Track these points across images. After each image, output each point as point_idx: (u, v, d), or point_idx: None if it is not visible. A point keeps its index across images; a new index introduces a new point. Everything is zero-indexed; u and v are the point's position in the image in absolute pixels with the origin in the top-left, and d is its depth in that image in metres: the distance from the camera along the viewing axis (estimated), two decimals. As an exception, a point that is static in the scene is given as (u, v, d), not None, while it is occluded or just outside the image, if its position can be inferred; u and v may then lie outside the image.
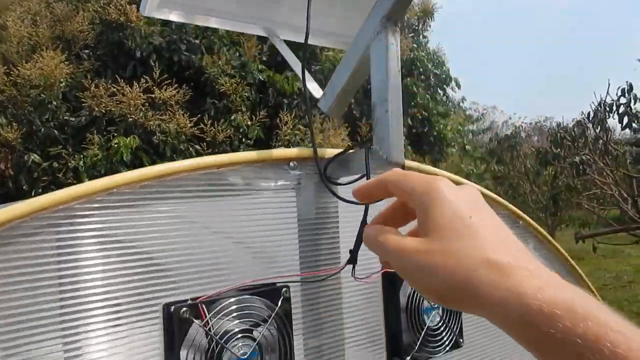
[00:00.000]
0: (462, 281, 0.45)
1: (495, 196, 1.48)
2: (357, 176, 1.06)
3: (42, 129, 5.92)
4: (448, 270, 0.46)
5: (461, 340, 1.29)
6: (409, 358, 1.18)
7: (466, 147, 10.28)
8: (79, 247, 0.80)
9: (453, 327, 1.28)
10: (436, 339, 1.24)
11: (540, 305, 0.42)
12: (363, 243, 0.59)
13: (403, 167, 1.04)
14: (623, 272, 10.71)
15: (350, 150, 1.04)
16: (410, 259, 0.49)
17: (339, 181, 1.09)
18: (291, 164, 1.04)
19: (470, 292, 0.45)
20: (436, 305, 1.24)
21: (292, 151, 1.04)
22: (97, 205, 0.81)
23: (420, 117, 8.42)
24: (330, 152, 1.07)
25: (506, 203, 1.51)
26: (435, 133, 8.78)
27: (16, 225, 0.75)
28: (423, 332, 1.21)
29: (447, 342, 1.26)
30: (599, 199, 10.58)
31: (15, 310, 0.75)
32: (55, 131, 5.96)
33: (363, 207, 1.02)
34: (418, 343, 1.19)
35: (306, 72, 1.08)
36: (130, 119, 5.85)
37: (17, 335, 0.75)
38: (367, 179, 0.98)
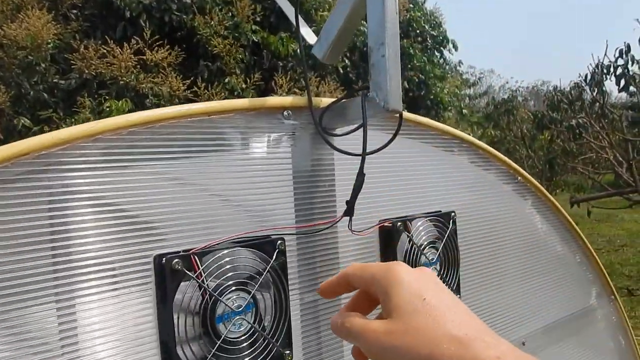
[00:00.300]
0: (426, 357, 0.47)
1: (495, 152, 1.45)
2: (354, 126, 1.03)
3: (31, 92, 5.82)
4: (411, 348, 0.48)
5: (458, 296, 1.28)
6: (406, 313, 1.16)
7: (463, 111, 10.20)
8: (66, 203, 0.77)
9: (451, 284, 1.26)
10: (433, 294, 1.22)
11: None
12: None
13: (401, 115, 1.00)
14: (616, 237, 10.80)
15: (346, 99, 1.00)
16: (375, 341, 0.51)
17: (335, 132, 1.05)
18: (285, 113, 1.00)
19: None
20: (434, 260, 1.22)
21: (287, 99, 1.00)
22: (81, 151, 0.77)
23: (416, 80, 8.33)
24: (326, 101, 1.03)
25: (505, 158, 1.48)
26: (431, 96, 8.70)
27: (-3, 172, 0.71)
28: (420, 287, 1.18)
29: (444, 298, 1.24)
30: (594, 163, 10.59)
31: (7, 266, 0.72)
32: (45, 94, 5.87)
33: (360, 158, 0.99)
34: (415, 298, 1.18)
35: (300, 18, 1.04)
36: (122, 82, 5.76)
37: (11, 292, 0.73)
38: (364, 127, 0.95)
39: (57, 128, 5.72)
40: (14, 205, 0.73)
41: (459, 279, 1.27)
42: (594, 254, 1.83)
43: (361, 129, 0.97)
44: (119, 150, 0.81)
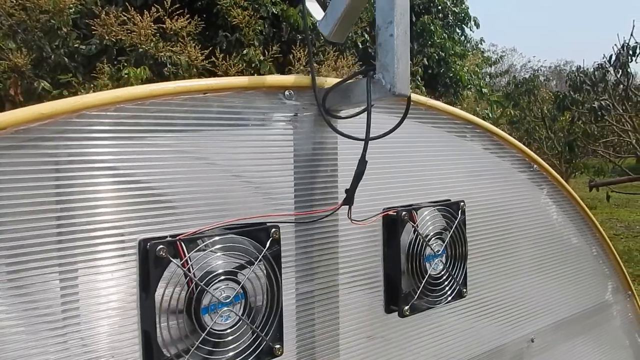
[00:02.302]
0: None
1: (511, 139, 1.38)
2: (358, 109, 0.97)
3: (52, 56, 5.79)
4: None
5: (465, 290, 1.22)
6: (407, 307, 1.11)
7: (483, 89, 9.99)
8: (49, 174, 0.72)
9: (456, 277, 1.20)
10: (438, 288, 1.17)
11: None
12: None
13: (409, 100, 0.94)
14: (635, 222, 10.63)
15: (351, 80, 0.94)
16: None
17: (339, 114, 0.99)
18: (286, 93, 0.94)
19: None
20: (440, 252, 1.16)
21: (288, 79, 0.94)
22: (62, 127, 0.72)
23: (436, 57, 8.15)
24: (330, 81, 0.97)
25: (521, 146, 1.41)
26: (451, 74, 8.52)
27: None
28: (424, 281, 1.13)
29: (449, 292, 1.19)
30: (616, 146, 10.40)
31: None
32: (66, 59, 5.83)
33: (363, 143, 0.93)
34: (418, 292, 1.12)
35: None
36: (141, 49, 5.70)
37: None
38: (368, 112, 0.88)
39: (77, 93, 5.71)
40: (21, 172, 0.70)
41: (466, 272, 1.21)
42: (612, 247, 1.76)
43: (365, 113, 0.91)
44: (105, 128, 0.76)
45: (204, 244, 0.82)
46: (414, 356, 1.18)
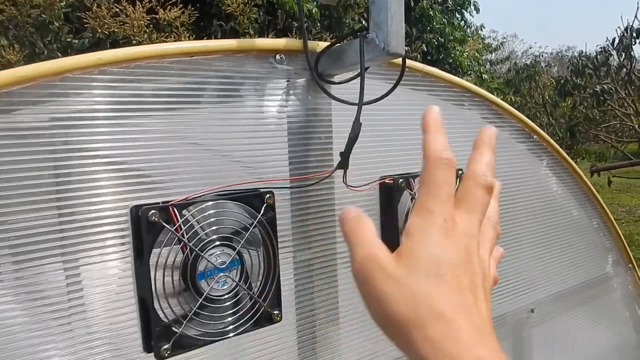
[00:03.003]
0: (407, 321, 0.43)
1: (510, 108, 1.37)
2: (352, 74, 0.95)
3: (45, 51, 5.76)
4: (397, 303, 0.43)
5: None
6: (407, 275, 1.10)
7: (483, 75, 9.94)
8: (32, 139, 0.71)
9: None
10: (438, 256, 1.16)
11: None
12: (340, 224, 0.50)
13: (404, 59, 0.92)
14: (637, 207, 10.61)
15: (343, 42, 0.92)
16: (370, 273, 0.45)
17: (333, 79, 0.98)
18: (278, 57, 0.92)
19: (409, 340, 0.43)
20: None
21: (279, 42, 0.92)
22: (45, 91, 0.71)
23: (435, 43, 8.10)
24: (322, 45, 0.95)
25: (521, 116, 1.39)
26: (450, 60, 8.46)
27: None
28: (424, 249, 1.12)
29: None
30: (618, 131, 10.36)
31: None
32: (59, 54, 5.80)
33: (356, 107, 0.91)
34: (418, 260, 1.11)
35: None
36: (135, 41, 5.67)
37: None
38: (361, 72, 0.87)
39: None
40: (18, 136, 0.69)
41: (465, 241, 1.20)
42: (612, 219, 1.75)
43: (359, 78, 0.89)
44: (89, 91, 0.75)
45: (197, 209, 0.81)
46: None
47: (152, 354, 0.80)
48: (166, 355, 0.79)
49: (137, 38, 5.57)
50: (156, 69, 0.80)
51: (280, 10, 6.56)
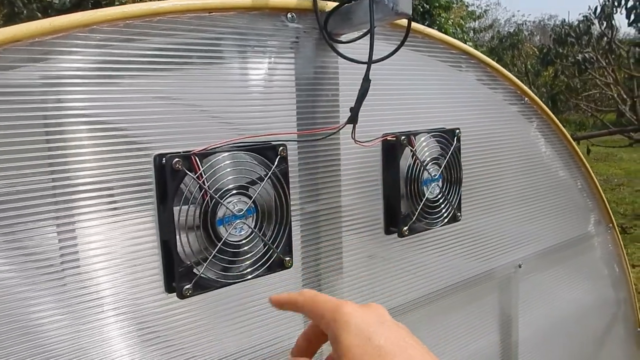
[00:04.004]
0: None
1: (504, 71, 1.42)
2: (360, 33, 0.99)
3: (25, 11, 5.68)
4: None
5: (459, 214, 1.27)
6: (406, 228, 1.16)
7: (467, 43, 9.99)
8: (57, 87, 0.75)
9: (452, 201, 1.25)
10: (434, 211, 1.22)
11: None
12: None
13: (410, 21, 0.97)
14: (614, 176, 10.82)
15: (353, 2, 0.96)
16: None
17: (341, 38, 1.02)
18: (289, 15, 0.96)
19: None
20: (436, 177, 1.20)
21: (291, 1, 0.96)
22: (76, 42, 0.74)
23: (420, 9, 8.12)
24: (332, 4, 0.99)
25: (514, 79, 1.45)
26: (435, 27, 8.50)
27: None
28: (422, 204, 1.18)
29: (445, 215, 1.24)
30: (597, 100, 10.50)
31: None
32: (39, 14, 5.73)
33: (365, 66, 0.96)
34: (416, 213, 1.17)
35: None
36: (117, 2, 5.60)
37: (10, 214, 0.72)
38: (371, 32, 0.91)
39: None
40: (10, 93, 0.71)
41: (460, 197, 1.26)
42: (596, 181, 1.82)
43: (368, 36, 0.93)
44: (116, 44, 0.78)
45: (216, 159, 0.86)
46: (411, 275, 1.24)
47: (174, 294, 0.85)
48: (188, 294, 0.84)
49: (121, -1, 5.53)
50: (176, 24, 0.83)
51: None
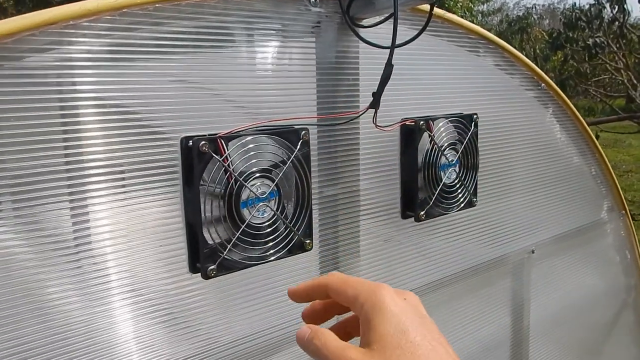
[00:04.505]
0: None
1: (521, 56, 1.42)
2: (382, 17, 1.00)
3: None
4: None
5: (475, 199, 1.28)
6: (423, 212, 1.17)
7: (476, 27, 9.89)
8: (70, 70, 0.75)
9: (468, 186, 1.26)
10: (451, 196, 1.23)
11: None
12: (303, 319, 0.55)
13: (432, 6, 0.97)
14: (622, 162, 10.78)
15: (377, -14, 0.96)
16: None
17: (362, 23, 1.02)
18: (312, -1, 0.96)
19: None
20: (453, 162, 1.21)
21: (315, -16, 0.96)
22: (107, 25, 0.75)
23: (431, -8, 8.05)
24: (355, -12, 0.99)
25: (531, 64, 1.45)
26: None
27: (24, 38, 0.70)
28: (438, 188, 1.19)
29: (461, 200, 1.25)
30: (607, 86, 10.42)
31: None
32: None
33: (387, 50, 0.96)
34: (433, 198, 1.18)
35: None
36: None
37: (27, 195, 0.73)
38: (394, 16, 0.91)
39: (63, 30, 5.62)
40: (37, 75, 0.72)
41: (476, 183, 1.27)
42: (610, 167, 1.83)
43: (390, 20, 0.94)
44: (145, 27, 0.79)
45: (240, 142, 0.86)
46: (425, 259, 1.25)
47: (198, 274, 0.87)
48: (212, 275, 0.85)
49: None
50: (204, 7, 0.84)
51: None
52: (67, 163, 0.76)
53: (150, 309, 0.86)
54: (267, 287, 0.98)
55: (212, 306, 0.93)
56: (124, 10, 0.76)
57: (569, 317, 1.75)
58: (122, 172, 0.80)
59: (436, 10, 1.15)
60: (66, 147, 0.75)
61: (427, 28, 1.02)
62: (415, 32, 1.01)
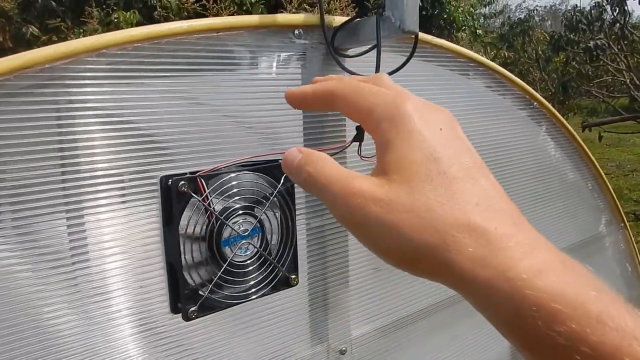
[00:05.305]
0: (434, 247, 0.33)
1: (512, 77, 1.40)
2: (367, 47, 0.98)
3: (39, 0, 5.68)
4: (415, 230, 0.34)
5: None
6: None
7: (477, 31, 9.89)
8: (72, 119, 0.75)
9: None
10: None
11: (538, 297, 0.31)
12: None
13: (416, 37, 0.96)
14: (626, 162, 10.74)
15: (360, 18, 0.95)
16: (359, 209, 0.36)
17: (347, 52, 1.01)
18: (296, 32, 0.95)
19: (443, 263, 0.34)
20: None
21: (298, 17, 0.95)
22: (85, 66, 0.74)
23: (431, -3, 8.06)
24: (339, 20, 0.98)
25: (522, 84, 1.43)
26: (445, 16, 8.42)
27: (-2, 86, 0.69)
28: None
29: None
30: (609, 86, 10.40)
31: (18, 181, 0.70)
32: (53, 2, 5.73)
33: (372, 81, 0.95)
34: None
35: None
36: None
37: (22, 207, 0.72)
38: (377, 48, 0.90)
39: (66, 38, 5.64)
40: (19, 119, 0.71)
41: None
42: (606, 181, 1.81)
43: (374, 50, 0.92)
44: (125, 67, 0.78)
45: (222, 180, 0.85)
46: (418, 286, 1.24)
47: (179, 314, 0.85)
48: (193, 316, 0.84)
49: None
50: (185, 44, 0.83)
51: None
52: (63, 173, 0.75)
53: (144, 329, 0.85)
54: (253, 325, 0.97)
55: (194, 347, 0.91)
56: (102, 51, 0.75)
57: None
58: (123, 187, 0.79)
59: (423, 35, 1.14)
60: (62, 157, 0.75)
61: (415, 54, 1.01)
62: (404, 59, 1.00)
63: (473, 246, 0.33)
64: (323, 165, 0.39)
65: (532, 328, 0.31)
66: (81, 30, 5.63)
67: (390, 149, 0.37)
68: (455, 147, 0.38)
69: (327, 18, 0.97)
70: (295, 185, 0.97)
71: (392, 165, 0.36)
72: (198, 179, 0.83)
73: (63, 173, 0.75)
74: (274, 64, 0.95)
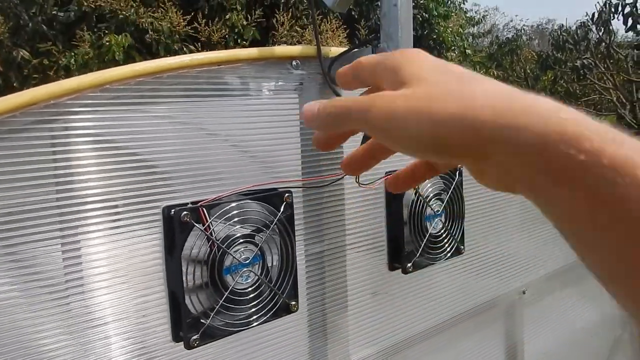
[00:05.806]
0: (458, 118, 0.35)
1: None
2: (363, 77, 1.01)
3: (30, 24, 5.71)
4: (439, 109, 0.35)
5: (462, 247, 1.28)
6: (410, 264, 1.17)
7: (466, 51, 10.00)
8: (71, 146, 0.76)
9: (455, 234, 1.26)
10: (438, 245, 1.23)
11: (564, 129, 0.32)
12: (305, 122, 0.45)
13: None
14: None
15: (356, 49, 0.98)
16: (386, 106, 0.37)
17: (343, 82, 1.03)
18: (294, 62, 0.98)
19: (470, 127, 0.34)
20: (439, 212, 1.22)
21: (295, 49, 0.97)
22: (89, 101, 0.76)
23: (420, 19, 8.14)
24: (335, 50, 1.01)
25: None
26: (435, 36, 8.51)
27: (4, 120, 0.70)
28: (425, 239, 1.19)
29: (448, 249, 1.25)
30: (597, 104, 10.53)
31: (14, 209, 0.72)
32: (44, 26, 5.75)
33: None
34: (420, 249, 1.18)
35: (310, -38, 1.00)
36: (121, 16, 5.63)
37: (16, 233, 0.72)
38: (374, 80, 0.93)
39: (57, 61, 5.65)
40: (21, 155, 0.72)
41: (463, 230, 1.27)
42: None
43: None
44: (127, 100, 0.80)
45: (223, 209, 0.87)
46: (416, 309, 1.25)
47: (181, 343, 0.86)
48: (195, 345, 0.85)
49: (124, 12, 5.54)
50: (186, 78, 0.85)
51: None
52: (58, 199, 0.76)
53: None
54: (253, 351, 0.98)
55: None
56: (105, 86, 0.77)
57: (564, 354, 1.75)
58: (122, 216, 0.80)
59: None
60: (57, 184, 0.76)
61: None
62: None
63: (497, 105, 0.34)
64: (342, 97, 0.42)
65: (554, 152, 0.32)
66: (72, 54, 5.65)
67: (401, 68, 0.39)
68: (461, 68, 0.40)
69: (324, 49, 0.99)
70: (295, 212, 0.99)
71: (403, 78, 0.38)
72: (200, 209, 0.84)
73: (57, 199, 0.76)
74: (273, 94, 0.97)
